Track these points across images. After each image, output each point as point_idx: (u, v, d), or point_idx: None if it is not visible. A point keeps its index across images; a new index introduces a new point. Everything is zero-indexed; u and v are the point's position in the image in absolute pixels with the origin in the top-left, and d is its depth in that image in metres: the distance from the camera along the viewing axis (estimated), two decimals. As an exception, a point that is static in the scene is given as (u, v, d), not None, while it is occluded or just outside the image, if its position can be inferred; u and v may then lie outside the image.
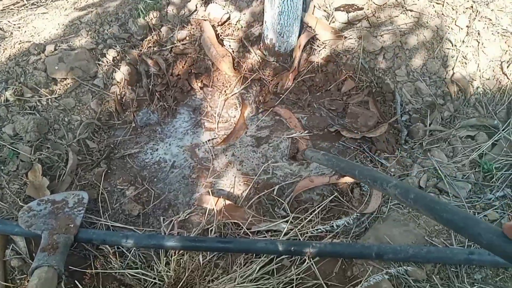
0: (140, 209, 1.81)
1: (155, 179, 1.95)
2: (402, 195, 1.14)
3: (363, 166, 1.62)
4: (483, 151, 1.89)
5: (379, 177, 1.31)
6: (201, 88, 2.35)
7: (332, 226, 1.68)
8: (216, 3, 2.35)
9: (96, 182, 1.90)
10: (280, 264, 1.54)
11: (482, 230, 0.83)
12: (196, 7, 2.37)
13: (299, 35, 2.28)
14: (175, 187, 1.91)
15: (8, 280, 1.49)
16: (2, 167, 1.77)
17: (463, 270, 1.43)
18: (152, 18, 2.32)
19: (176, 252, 1.57)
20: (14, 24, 2.31)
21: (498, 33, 2.12)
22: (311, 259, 1.51)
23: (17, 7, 2.55)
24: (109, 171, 1.97)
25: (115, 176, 1.94)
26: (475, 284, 1.39)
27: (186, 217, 1.76)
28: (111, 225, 1.74)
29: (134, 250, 1.63)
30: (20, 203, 1.68)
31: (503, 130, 1.95)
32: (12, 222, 1.57)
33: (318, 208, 1.74)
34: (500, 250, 0.78)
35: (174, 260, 1.53)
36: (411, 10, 2.21)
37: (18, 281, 1.50)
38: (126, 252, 1.62)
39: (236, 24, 2.37)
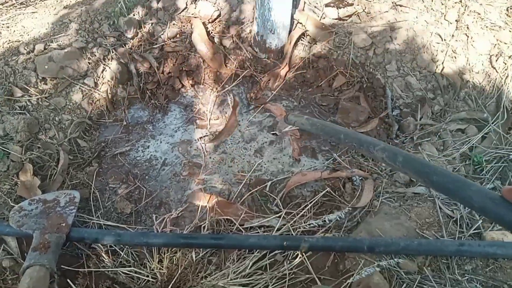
0: (132, 207, 1.80)
1: (147, 177, 1.94)
2: (390, 158, 1.07)
3: (348, 129, 1.54)
4: (473, 144, 1.90)
5: (365, 140, 1.23)
6: (192, 85, 2.34)
7: (324, 220, 1.69)
8: (206, 0, 2.35)
9: (87, 181, 1.89)
10: (273, 259, 1.54)
11: (473, 193, 0.79)
12: (186, 5, 2.36)
13: (290, 32, 2.28)
14: (166, 184, 1.91)
15: (0, 280, 1.48)
16: (-7, 168, 1.76)
17: (454, 261, 1.44)
18: (136, 14, 2.31)
19: (169, 250, 1.57)
20: (3, 24, 2.29)
21: (487, 27, 2.13)
22: (303, 254, 1.51)
23: (6, 6, 2.53)
24: (100, 169, 1.97)
25: (107, 175, 1.93)
26: (466, 275, 1.41)
27: (179, 214, 1.75)
28: (104, 224, 1.73)
29: (127, 248, 1.62)
30: (11, 203, 1.67)
31: (492, 123, 1.97)
32: (3, 222, 1.56)
33: (310, 203, 1.75)
34: (492, 213, 0.75)
35: (167, 257, 1.53)
36: (400, 5, 2.22)
37: (9, 282, 1.48)
38: (119, 251, 1.62)
39: (226, 22, 2.37)
